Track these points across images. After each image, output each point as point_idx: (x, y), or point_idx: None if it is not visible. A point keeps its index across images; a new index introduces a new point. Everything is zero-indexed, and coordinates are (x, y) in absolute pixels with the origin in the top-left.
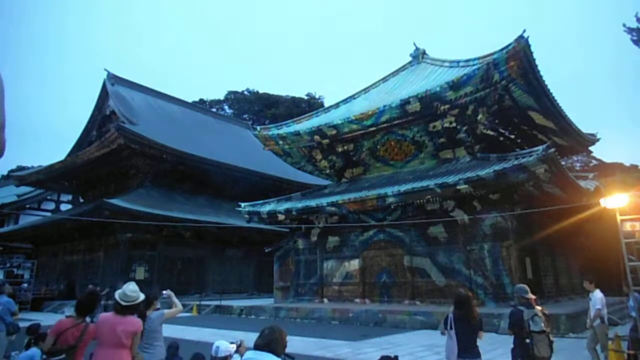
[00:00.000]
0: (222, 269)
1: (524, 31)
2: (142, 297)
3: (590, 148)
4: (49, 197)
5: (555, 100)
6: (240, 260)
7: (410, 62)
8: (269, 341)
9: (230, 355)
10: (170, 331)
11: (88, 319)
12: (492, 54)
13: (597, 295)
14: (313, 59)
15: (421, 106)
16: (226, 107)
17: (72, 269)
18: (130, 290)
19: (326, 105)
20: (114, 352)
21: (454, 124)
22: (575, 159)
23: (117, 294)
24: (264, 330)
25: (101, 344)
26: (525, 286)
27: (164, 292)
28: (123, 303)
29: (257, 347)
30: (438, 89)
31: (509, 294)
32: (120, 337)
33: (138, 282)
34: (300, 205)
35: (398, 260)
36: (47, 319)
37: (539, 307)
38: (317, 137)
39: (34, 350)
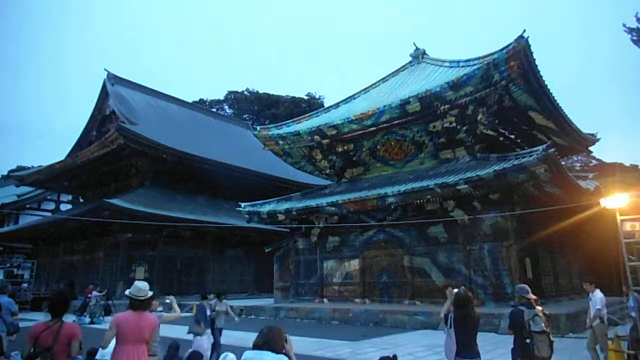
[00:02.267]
0: (222, 269)
1: (524, 31)
2: (150, 293)
3: (590, 148)
4: (49, 197)
5: (555, 100)
6: (240, 260)
7: (410, 62)
8: (268, 340)
9: None
10: (170, 331)
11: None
12: (492, 54)
13: (598, 295)
14: (313, 59)
15: (421, 106)
16: (226, 107)
17: (72, 269)
18: (143, 285)
19: (326, 105)
20: (137, 348)
21: (454, 124)
22: (575, 159)
23: (129, 292)
24: (263, 329)
25: (124, 341)
26: (526, 286)
27: (167, 298)
28: (140, 297)
29: (256, 346)
30: (438, 89)
31: (509, 294)
32: (143, 332)
33: None
34: (300, 205)
35: (398, 260)
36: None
37: (539, 307)
38: (317, 137)
39: None
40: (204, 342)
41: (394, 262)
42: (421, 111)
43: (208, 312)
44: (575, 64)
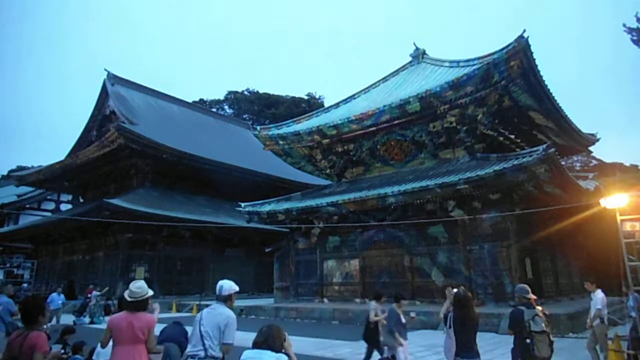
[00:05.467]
0: (222, 269)
1: (524, 31)
2: (150, 292)
3: (590, 148)
4: (49, 197)
5: (555, 100)
6: (240, 260)
7: (410, 62)
8: (267, 338)
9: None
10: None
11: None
12: (492, 54)
13: (599, 295)
14: (313, 59)
15: (421, 106)
16: (226, 107)
17: (72, 269)
18: (137, 287)
19: (326, 105)
20: (132, 349)
21: (454, 124)
22: (575, 159)
23: (125, 294)
24: (262, 328)
25: (118, 342)
26: (526, 286)
27: (154, 303)
28: (129, 299)
29: (256, 344)
30: (438, 89)
31: (509, 294)
32: (137, 333)
33: None
34: (300, 205)
35: (398, 260)
36: None
37: (539, 307)
38: (317, 137)
39: None
40: (401, 357)
41: (394, 262)
42: (421, 111)
43: (403, 320)
44: (575, 65)
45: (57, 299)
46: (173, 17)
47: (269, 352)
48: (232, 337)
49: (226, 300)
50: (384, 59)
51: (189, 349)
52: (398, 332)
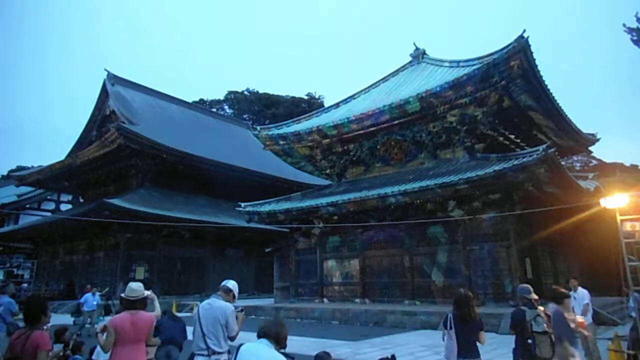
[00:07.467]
0: (222, 269)
1: (524, 31)
2: (147, 292)
3: (590, 148)
4: (49, 197)
5: (555, 101)
6: (240, 260)
7: (410, 62)
8: (271, 326)
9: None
10: None
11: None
12: (492, 54)
13: (583, 290)
14: (313, 59)
15: (421, 106)
16: (226, 107)
17: (72, 269)
18: (137, 286)
19: (326, 105)
20: (137, 348)
21: (454, 124)
22: (575, 159)
23: (124, 294)
24: (271, 319)
25: (122, 342)
26: (528, 286)
27: (147, 292)
28: (132, 298)
29: (262, 329)
30: (438, 89)
31: (509, 294)
32: (140, 333)
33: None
34: (300, 205)
35: (398, 260)
36: None
37: (541, 308)
38: (317, 137)
39: None
40: None
41: (394, 262)
42: (421, 111)
43: (572, 325)
44: (575, 64)
45: (91, 299)
46: (173, 17)
47: (268, 349)
48: (235, 328)
49: (227, 292)
50: (384, 59)
51: (194, 347)
52: (568, 340)
